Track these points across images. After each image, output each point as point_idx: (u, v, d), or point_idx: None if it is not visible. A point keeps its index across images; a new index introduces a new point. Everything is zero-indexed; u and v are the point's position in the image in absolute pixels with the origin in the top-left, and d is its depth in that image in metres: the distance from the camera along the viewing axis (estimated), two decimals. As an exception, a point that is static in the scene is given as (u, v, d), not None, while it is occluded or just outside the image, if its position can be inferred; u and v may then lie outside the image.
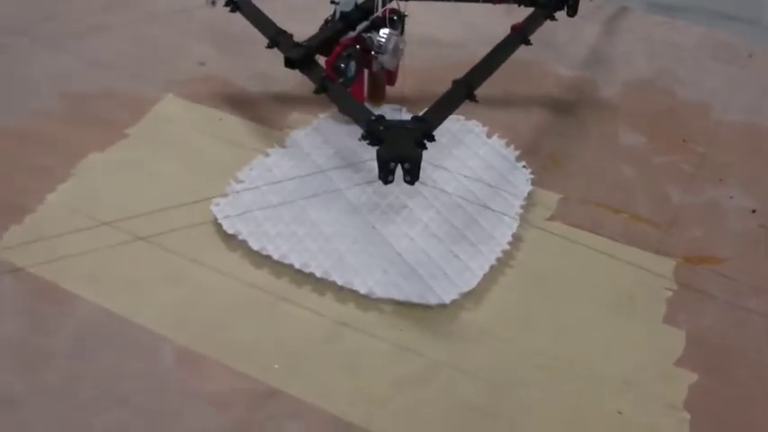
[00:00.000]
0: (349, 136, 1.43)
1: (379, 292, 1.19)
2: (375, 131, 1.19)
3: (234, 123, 1.51)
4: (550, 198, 1.37)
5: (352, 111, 1.31)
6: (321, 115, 1.50)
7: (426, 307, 1.18)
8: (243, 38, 1.64)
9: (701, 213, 1.36)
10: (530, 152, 1.44)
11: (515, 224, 1.30)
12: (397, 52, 1.40)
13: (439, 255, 1.24)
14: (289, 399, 1.07)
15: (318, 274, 1.21)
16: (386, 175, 1.16)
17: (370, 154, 1.38)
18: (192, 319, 1.17)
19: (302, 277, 1.22)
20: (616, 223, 1.33)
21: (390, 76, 1.49)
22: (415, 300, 1.18)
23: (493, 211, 1.31)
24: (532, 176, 1.39)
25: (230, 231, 1.28)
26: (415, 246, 1.26)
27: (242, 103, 1.56)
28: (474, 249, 1.25)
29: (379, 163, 1.15)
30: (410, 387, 1.09)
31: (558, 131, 1.52)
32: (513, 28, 1.43)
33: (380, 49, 1.38)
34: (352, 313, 1.18)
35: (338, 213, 1.30)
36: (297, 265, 1.23)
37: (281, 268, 1.24)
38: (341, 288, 1.21)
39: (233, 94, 1.58)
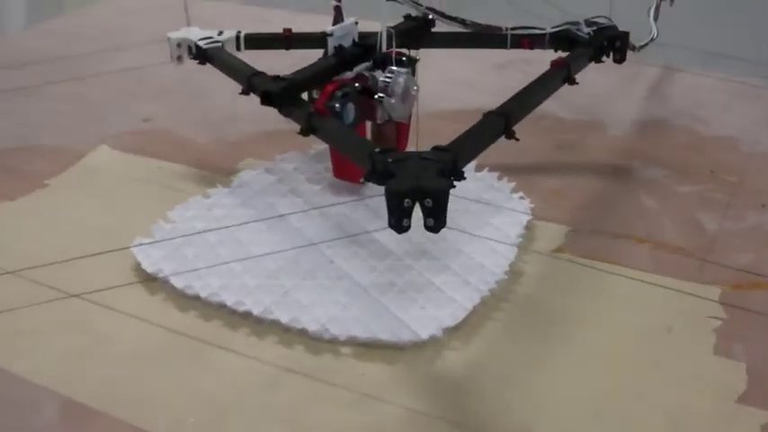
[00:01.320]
0: (310, 178, 1.18)
1: (336, 330, 0.91)
2: (381, 165, 0.85)
3: (174, 170, 1.28)
4: (556, 230, 1.10)
5: (349, 146, 0.98)
6: (278, 157, 1.26)
7: (398, 348, 0.90)
8: (200, 93, 1.44)
9: (744, 240, 1.08)
10: (527, 188, 1.18)
11: (513, 253, 1.03)
12: (407, 98, 1.07)
13: (414, 288, 0.97)
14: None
15: (256, 312, 0.93)
16: (399, 219, 0.80)
17: (335, 197, 1.14)
18: (89, 369, 0.88)
19: (238, 320, 0.95)
20: (640, 253, 1.06)
21: (400, 133, 1.14)
22: (383, 337, 0.90)
23: (483, 239, 1.04)
24: (532, 206, 1.13)
25: (150, 270, 1.01)
26: (382, 278, 0.98)
27: (188, 152, 1.33)
28: (459, 280, 0.98)
29: (389, 202, 0.80)
30: (374, 442, 0.79)
31: (559, 168, 1.27)
32: (554, 64, 1.13)
33: (386, 90, 1.05)
34: (300, 357, 0.90)
35: (288, 248, 1.03)
36: (229, 303, 0.95)
37: (212, 311, 0.96)
38: (286, 329, 0.92)
39: (179, 145, 1.35)
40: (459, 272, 0.99)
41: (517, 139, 0.96)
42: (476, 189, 1.15)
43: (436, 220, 0.80)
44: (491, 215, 1.10)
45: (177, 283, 0.98)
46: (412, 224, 0.80)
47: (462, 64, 1.61)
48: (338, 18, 1.13)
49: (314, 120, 1.01)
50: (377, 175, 0.84)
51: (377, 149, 0.88)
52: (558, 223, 1.12)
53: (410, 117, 1.12)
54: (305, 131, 1.01)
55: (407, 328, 0.90)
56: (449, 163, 0.84)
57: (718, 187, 1.21)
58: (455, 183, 0.83)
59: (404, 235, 0.98)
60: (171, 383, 0.86)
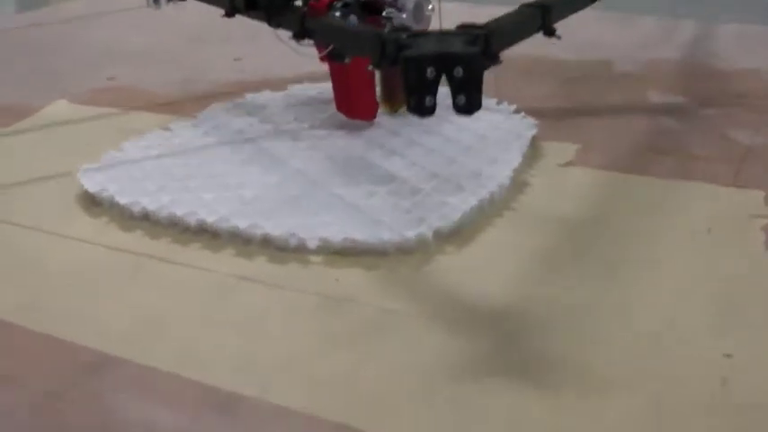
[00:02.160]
0: (286, 107, 1.05)
1: (304, 234, 0.76)
2: (394, 43, 0.69)
3: (134, 116, 1.14)
4: (566, 148, 0.95)
5: (352, 39, 0.82)
6: (249, 95, 1.12)
7: (379, 253, 0.74)
8: (169, 57, 1.32)
9: (784, 150, 0.94)
10: (534, 115, 1.03)
11: (516, 161, 0.88)
12: (421, 17, 0.88)
13: (398, 195, 0.82)
14: (133, 368, 0.61)
15: (211, 220, 0.78)
16: (421, 96, 0.64)
17: (310, 120, 1.00)
18: (12, 286, 0.73)
19: (190, 236, 0.80)
20: (665, 164, 0.91)
21: None
22: (359, 237, 0.74)
23: (480, 150, 0.90)
24: (537, 123, 0.98)
25: (93, 190, 0.86)
26: (360, 189, 0.83)
27: (151, 103, 1.19)
28: (453, 186, 0.83)
29: (407, 76, 0.65)
30: (346, 345, 0.63)
31: (568, 98, 1.13)
32: None
33: (396, 4, 0.87)
34: (261, 267, 0.74)
35: (255, 167, 0.89)
36: (179, 214, 0.80)
37: (161, 230, 0.81)
38: (247, 242, 0.77)
39: (142, 98, 1.22)
40: (452, 178, 0.84)
41: (558, 37, 0.81)
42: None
43: (469, 97, 0.64)
44: (491, 131, 0.95)
45: (122, 199, 0.83)
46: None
47: None
48: None
49: (308, 21, 0.85)
50: (388, 57, 0.68)
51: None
52: (569, 142, 0.97)
53: None
54: (298, 35, 0.86)
55: (389, 230, 0.75)
56: (481, 37, 0.68)
57: (747, 109, 1.06)
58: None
59: (391, 150, 0.84)
60: (100, 296, 0.71)
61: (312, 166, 0.88)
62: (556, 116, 1.05)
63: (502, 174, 0.84)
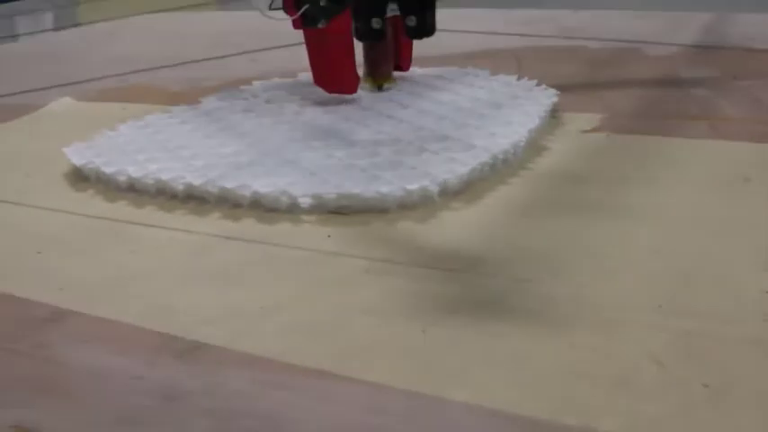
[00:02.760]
0: (293, 94, 0.99)
1: (297, 191, 0.69)
2: None
3: (141, 108, 1.09)
4: (590, 117, 0.88)
5: None
6: (257, 82, 1.07)
7: (380, 211, 0.67)
8: (183, 59, 1.27)
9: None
10: (558, 89, 0.96)
11: (533, 123, 0.81)
12: None
13: (401, 154, 0.75)
14: (92, 321, 0.55)
15: (198, 183, 0.72)
16: (367, 19, 0.59)
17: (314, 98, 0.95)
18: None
19: (177, 204, 0.74)
20: (697, 127, 0.83)
21: (402, 48, 0.94)
22: (356, 192, 0.68)
23: (495, 115, 0.83)
24: (559, 93, 0.91)
25: (79, 163, 0.81)
26: (363, 150, 0.77)
27: (158, 96, 1.15)
28: (463, 145, 0.76)
29: None
30: (332, 293, 0.56)
31: (594, 75, 1.06)
32: None
33: None
34: (248, 226, 0.68)
35: (254, 137, 0.83)
36: (165, 178, 0.74)
37: (147, 199, 0.75)
38: (235, 206, 0.71)
39: (149, 92, 1.18)
40: (464, 138, 0.77)
41: None
42: (486, 85, 0.95)
43: (419, 18, 0.59)
44: (507, 99, 0.88)
45: (108, 169, 0.78)
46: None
47: None
48: None
49: None
50: None
51: None
52: (593, 113, 0.89)
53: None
54: None
55: (389, 184, 0.68)
56: None
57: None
58: None
59: (398, 118, 0.79)
60: (69, 258, 0.65)
61: (312, 132, 0.82)
62: (581, 90, 0.98)
63: (517, 133, 0.77)
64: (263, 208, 0.69)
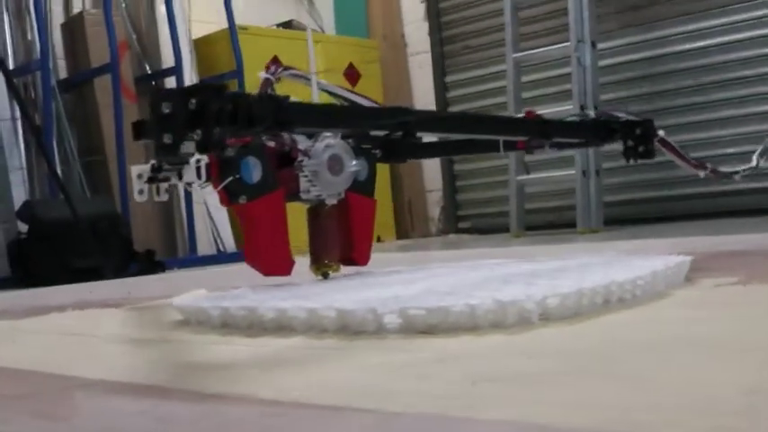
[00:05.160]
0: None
1: (385, 309, 0.62)
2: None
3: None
4: (722, 280, 0.78)
5: None
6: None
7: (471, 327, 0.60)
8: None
9: None
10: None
11: (658, 266, 0.72)
12: (339, 170, 0.82)
13: (511, 281, 0.69)
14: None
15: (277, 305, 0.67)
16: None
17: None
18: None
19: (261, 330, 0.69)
20: None
21: (352, 220, 0.88)
22: (448, 304, 0.60)
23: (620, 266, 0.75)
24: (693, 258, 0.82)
25: (176, 303, 0.79)
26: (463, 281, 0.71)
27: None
28: (576, 275, 0.69)
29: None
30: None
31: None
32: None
33: (308, 153, 0.81)
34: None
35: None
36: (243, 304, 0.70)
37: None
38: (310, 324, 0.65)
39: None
40: (577, 271, 0.70)
41: None
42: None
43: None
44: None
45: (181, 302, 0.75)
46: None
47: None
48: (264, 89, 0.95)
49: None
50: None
51: None
52: (727, 277, 0.79)
53: (373, 206, 0.87)
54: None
55: (491, 297, 0.61)
56: None
57: None
58: None
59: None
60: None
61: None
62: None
63: (635, 271, 0.69)
64: (348, 329, 0.63)
